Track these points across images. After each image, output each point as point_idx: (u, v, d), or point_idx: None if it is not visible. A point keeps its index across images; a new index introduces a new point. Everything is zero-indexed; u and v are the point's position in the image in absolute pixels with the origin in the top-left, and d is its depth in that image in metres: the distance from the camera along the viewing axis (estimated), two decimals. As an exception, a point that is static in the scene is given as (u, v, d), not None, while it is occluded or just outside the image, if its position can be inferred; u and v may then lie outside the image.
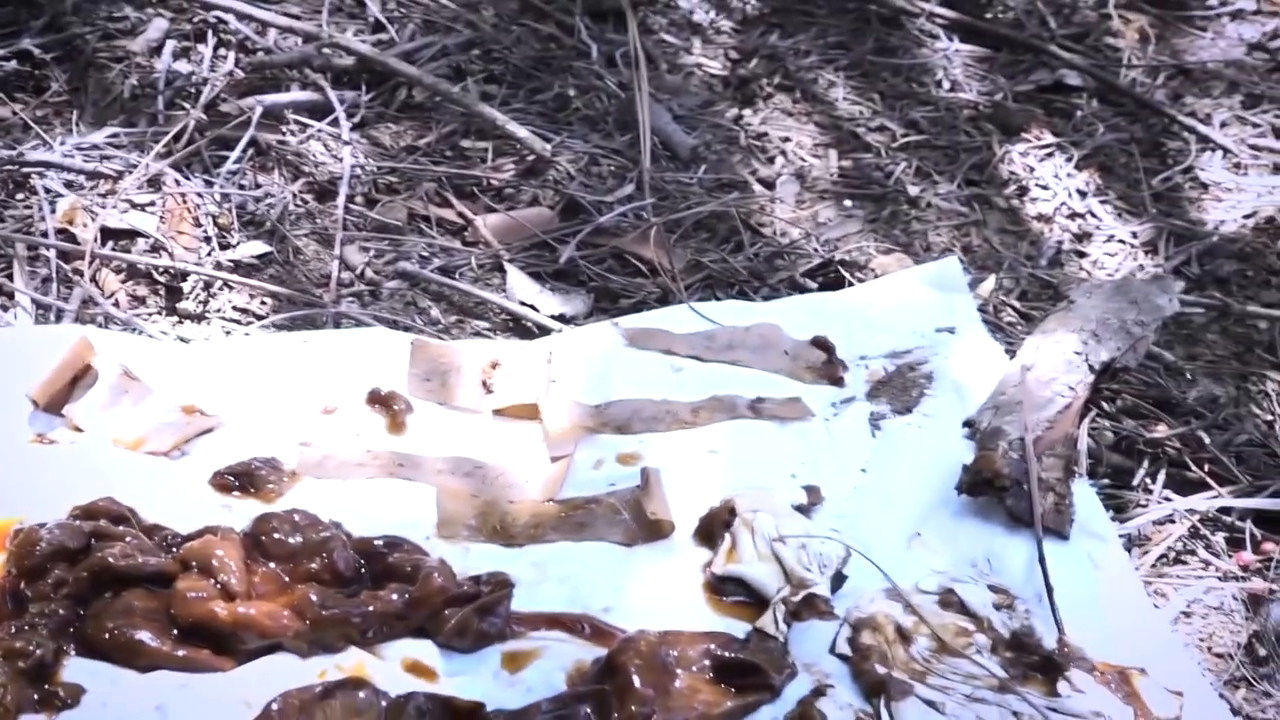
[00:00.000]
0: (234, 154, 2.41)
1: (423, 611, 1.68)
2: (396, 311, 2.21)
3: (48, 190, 2.26)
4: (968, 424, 2.02)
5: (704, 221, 2.51)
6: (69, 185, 2.30)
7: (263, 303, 2.17)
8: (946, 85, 2.98)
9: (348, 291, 2.22)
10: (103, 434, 1.89)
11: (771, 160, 2.73)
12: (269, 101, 2.52)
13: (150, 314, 2.12)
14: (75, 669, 1.60)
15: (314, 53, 2.65)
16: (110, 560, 1.65)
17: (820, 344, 2.15)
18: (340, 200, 2.37)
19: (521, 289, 2.29)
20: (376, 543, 1.75)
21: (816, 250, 2.45)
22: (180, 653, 1.60)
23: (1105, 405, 2.14)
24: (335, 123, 2.56)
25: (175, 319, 2.12)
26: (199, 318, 2.13)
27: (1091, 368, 2.06)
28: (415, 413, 1.98)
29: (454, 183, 2.52)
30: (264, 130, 2.49)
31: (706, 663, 1.67)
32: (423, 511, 1.85)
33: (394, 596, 1.67)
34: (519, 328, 2.24)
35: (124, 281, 2.16)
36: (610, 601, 1.77)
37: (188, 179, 2.35)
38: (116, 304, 2.10)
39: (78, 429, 1.90)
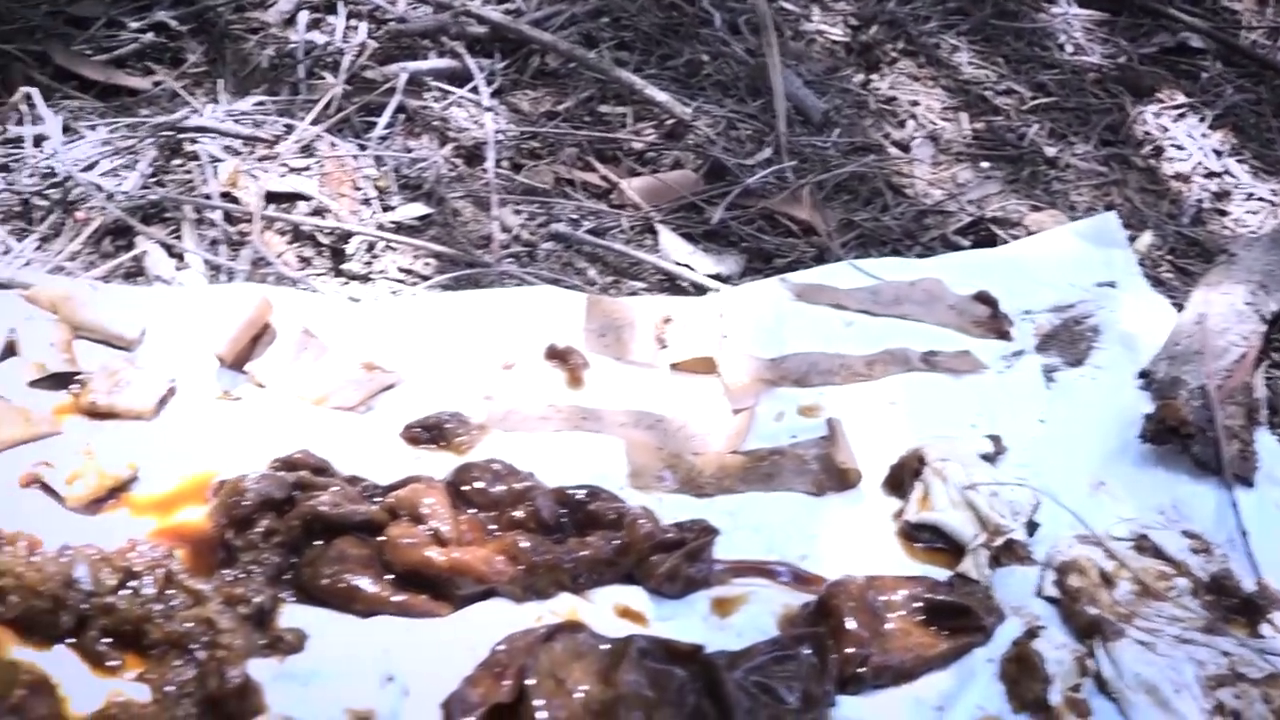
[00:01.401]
0: (383, 119, 2.41)
1: (631, 557, 1.68)
2: (555, 272, 2.21)
3: (205, 156, 2.26)
4: (1143, 374, 2.02)
5: (844, 183, 2.51)
6: (227, 150, 2.30)
7: (426, 263, 2.17)
8: (1070, 49, 2.97)
9: (505, 253, 2.22)
10: (286, 390, 1.89)
11: (902, 124, 2.73)
12: (412, 68, 2.52)
13: (318, 274, 2.12)
14: (292, 614, 1.60)
15: (449, 21, 2.65)
16: (322, 509, 1.66)
17: (984, 299, 2.15)
18: (490, 164, 2.37)
19: (675, 249, 2.29)
20: (576, 492, 1.75)
21: (964, 209, 2.44)
22: (399, 598, 1.61)
23: (1276, 355, 2.13)
24: (475, 89, 2.55)
25: (342, 280, 2.13)
26: (364, 278, 2.14)
27: (1263, 318, 2.05)
28: (592, 367, 1.98)
29: (595, 147, 2.52)
30: (408, 97, 2.49)
31: (917, 605, 1.67)
32: (612, 463, 1.85)
33: (603, 543, 1.67)
34: (674, 287, 2.24)
35: (290, 243, 2.17)
36: (805, 549, 1.77)
37: (338, 144, 2.35)
38: (285, 264, 2.11)
39: (260, 385, 1.90)
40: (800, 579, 1.73)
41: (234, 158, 2.27)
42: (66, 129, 2.32)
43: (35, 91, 2.30)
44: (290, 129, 2.36)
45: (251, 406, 1.87)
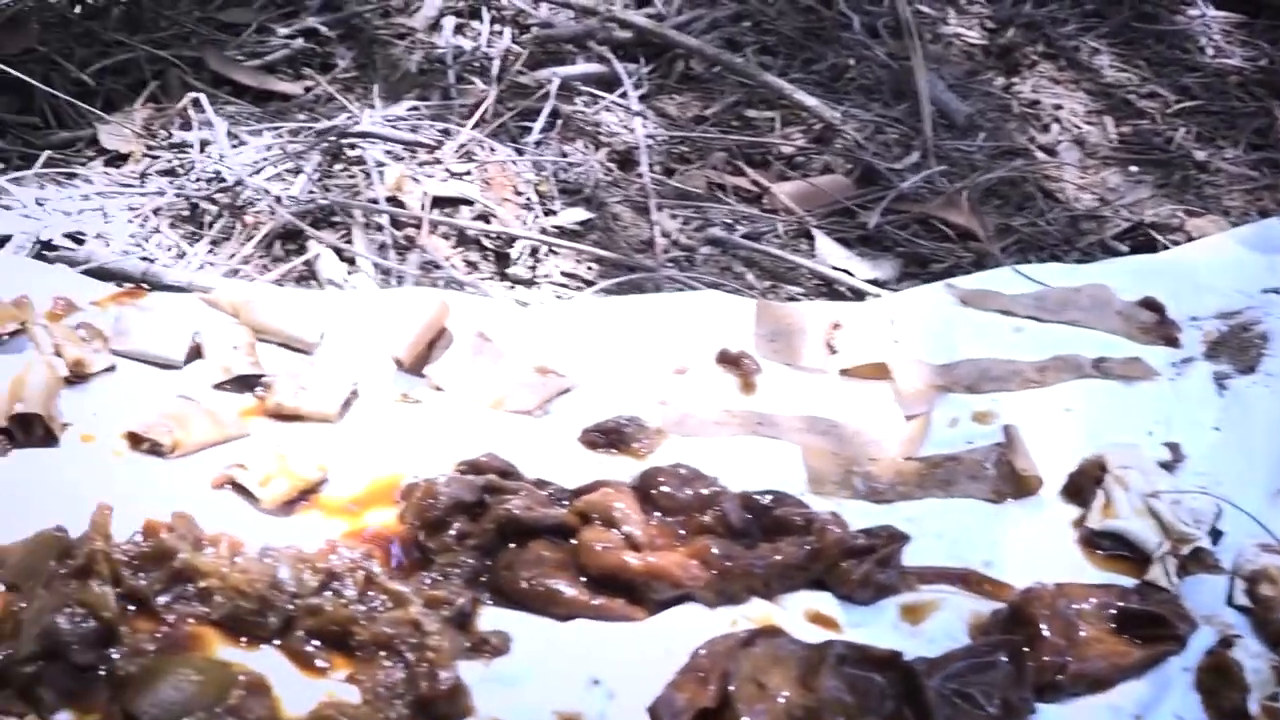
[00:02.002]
0: (538, 124, 2.43)
1: (822, 563, 1.68)
2: (714, 276, 2.21)
3: (370, 161, 2.28)
4: (1317, 382, 2.00)
5: (993, 188, 2.50)
6: (388, 155, 2.33)
7: (589, 267, 2.19)
8: (1210, 51, 2.95)
9: (665, 257, 2.23)
10: (463, 394, 1.91)
11: (1046, 128, 2.72)
12: (563, 74, 2.53)
13: (484, 278, 2.14)
14: (490, 617, 1.62)
15: (597, 26, 2.66)
16: (516, 512, 1.67)
17: (1150, 305, 2.14)
18: (644, 169, 2.38)
19: (831, 254, 2.29)
20: (761, 497, 1.75)
21: (1119, 214, 2.43)
22: (597, 601, 1.61)
23: None
24: (623, 94, 2.56)
25: (507, 284, 2.14)
26: (529, 283, 2.15)
27: None
28: (763, 372, 1.98)
29: (744, 151, 2.53)
30: (559, 101, 2.51)
31: (1110, 613, 1.66)
32: (790, 469, 1.85)
33: (794, 548, 1.67)
34: (832, 292, 2.24)
35: (454, 248, 2.18)
36: (989, 556, 1.77)
37: (496, 149, 2.37)
38: (453, 268, 2.12)
39: (438, 389, 1.92)
40: (986, 586, 1.72)
41: (397, 163, 2.29)
42: (231, 134, 2.34)
43: (203, 96, 2.33)
44: (447, 134, 2.38)
45: (431, 409, 1.89)
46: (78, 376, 1.83)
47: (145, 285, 2.00)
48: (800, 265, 2.25)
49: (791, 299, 2.22)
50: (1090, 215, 2.43)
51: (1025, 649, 1.60)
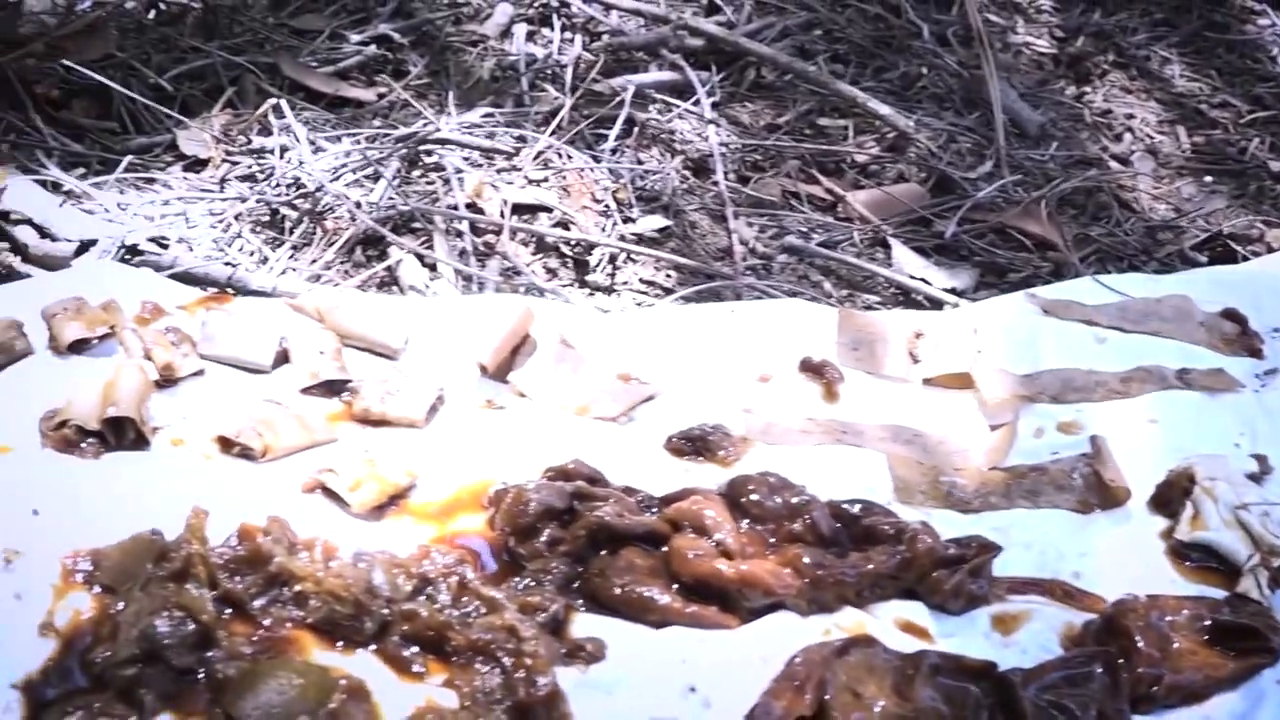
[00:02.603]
0: (613, 132, 2.43)
1: (913, 572, 1.68)
2: (791, 284, 2.21)
3: (450, 168, 2.29)
4: (1404, 395, 1.98)
5: (1068, 198, 2.49)
6: (466, 161, 2.33)
7: (667, 275, 2.19)
8: (1282, 62, 2.93)
9: (743, 265, 2.23)
10: (547, 400, 1.91)
11: (1119, 137, 2.71)
12: (637, 81, 2.54)
13: (564, 285, 2.14)
14: (583, 624, 1.62)
15: (669, 34, 2.66)
16: (608, 519, 1.67)
17: (1232, 315, 2.13)
18: (720, 177, 2.38)
19: (908, 263, 2.29)
20: (850, 506, 1.75)
21: (1196, 224, 2.42)
22: (691, 609, 1.61)
23: None
24: (696, 102, 2.56)
25: (586, 291, 2.14)
26: (608, 290, 2.16)
27: None
28: (846, 381, 1.98)
29: (817, 160, 2.52)
30: (633, 109, 2.51)
31: (1204, 625, 1.65)
32: (876, 477, 1.85)
33: (885, 557, 1.67)
34: (909, 301, 2.23)
35: (534, 254, 2.19)
36: (1077, 567, 1.76)
37: (572, 156, 2.37)
38: (533, 275, 2.13)
39: (522, 395, 1.92)
40: (1076, 597, 1.71)
41: (475, 169, 2.29)
42: (304, 140, 2.35)
43: (284, 103, 2.34)
44: (523, 141, 2.38)
45: (516, 416, 1.89)
46: (167, 380, 1.84)
47: (230, 290, 2.01)
48: (877, 274, 2.25)
49: (869, 308, 2.21)
50: (1167, 225, 2.42)
51: (1119, 660, 1.59)
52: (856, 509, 1.75)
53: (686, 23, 2.67)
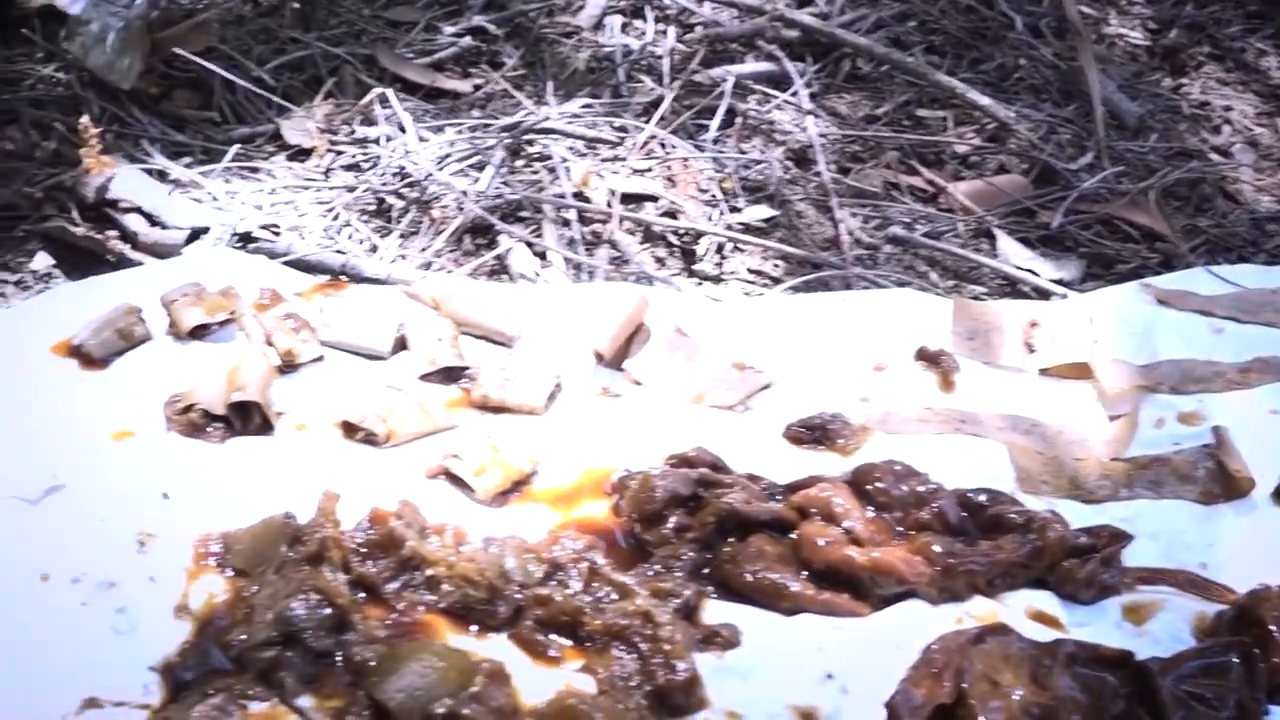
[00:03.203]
0: (714, 122, 2.42)
1: (1044, 562, 1.66)
2: (898, 274, 2.20)
3: (556, 157, 2.29)
4: None
5: (1170, 189, 2.47)
6: (571, 151, 2.33)
7: (775, 265, 2.18)
8: (1381, 54, 2.90)
9: (849, 255, 2.22)
10: (662, 388, 1.91)
11: (1218, 129, 2.68)
12: (736, 72, 2.53)
13: (672, 274, 2.13)
14: (714, 610, 1.61)
15: (766, 25, 2.65)
16: (737, 506, 1.66)
17: (1348, 307, 2.10)
18: (822, 167, 2.37)
19: (1014, 254, 2.27)
20: (976, 495, 1.74)
21: (1305, 215, 2.40)
22: (824, 596, 1.60)
23: None
24: (794, 93, 2.55)
25: (694, 280, 2.14)
26: (716, 279, 2.15)
27: None
28: (962, 370, 1.96)
29: (917, 150, 2.51)
30: (734, 99, 2.50)
31: (1342, 617, 1.63)
32: (997, 467, 1.83)
33: (1016, 546, 1.66)
34: (1015, 292, 2.22)
35: (641, 244, 2.18)
36: (1204, 558, 1.74)
37: (675, 146, 2.36)
38: (641, 265, 2.12)
39: (637, 383, 1.91)
40: (1204, 587, 1.70)
41: (580, 159, 2.29)
42: (404, 130, 2.35)
43: (390, 93, 2.34)
44: (624, 131, 2.38)
45: (632, 403, 1.88)
46: (288, 366, 1.85)
47: (344, 277, 2.01)
48: (984, 264, 2.23)
49: (976, 298, 2.20)
50: (1273, 217, 2.39)
51: (1255, 651, 1.57)
52: (983, 498, 1.74)
53: (782, 14, 2.65)
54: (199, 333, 1.86)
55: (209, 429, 1.74)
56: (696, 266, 2.15)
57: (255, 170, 2.31)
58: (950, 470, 1.81)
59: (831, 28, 2.67)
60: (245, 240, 2.07)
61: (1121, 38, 2.91)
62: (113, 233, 2.16)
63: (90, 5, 2.39)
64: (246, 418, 1.76)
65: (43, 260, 2.14)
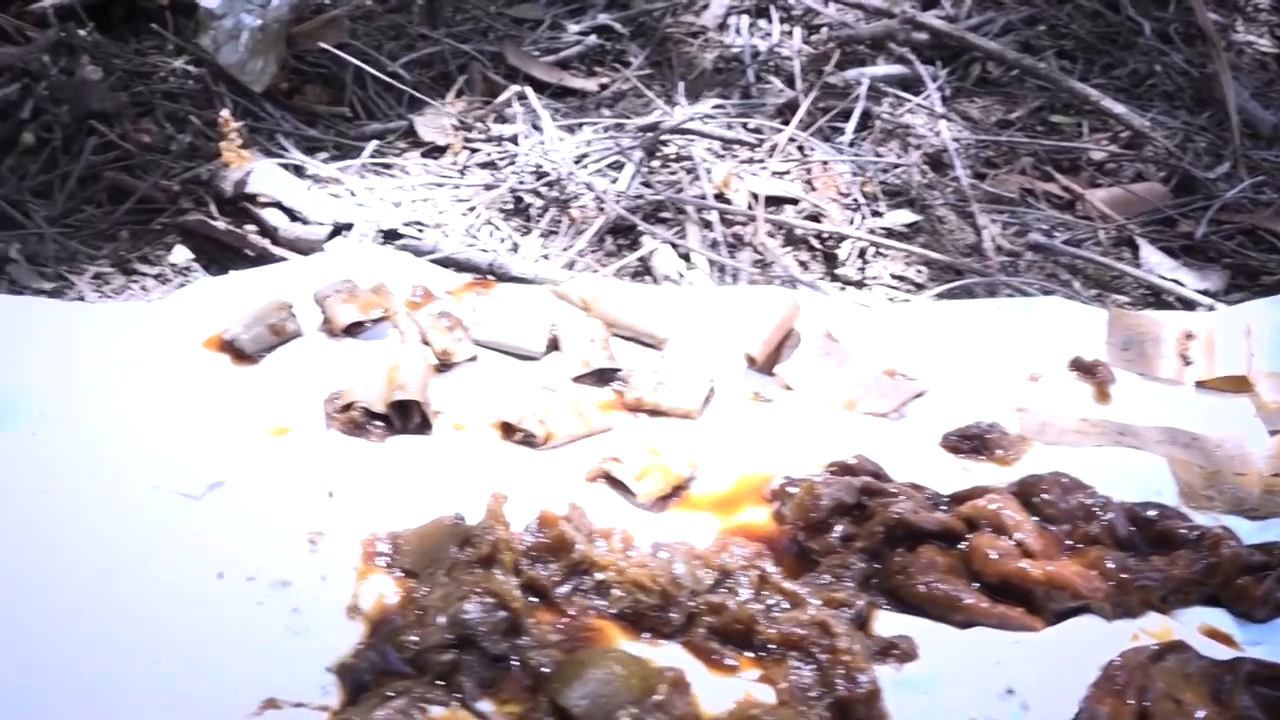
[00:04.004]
0: (850, 125, 2.40)
1: (1219, 578, 1.63)
2: (1040, 281, 2.17)
3: (696, 158, 2.27)
4: None
5: (1309, 199, 2.43)
6: (709, 152, 2.31)
7: (918, 270, 2.15)
8: None
9: (994, 262, 2.19)
10: (814, 394, 1.89)
11: (1354, 138, 2.64)
12: (869, 74, 2.51)
13: (816, 278, 2.11)
14: (884, 621, 1.59)
15: (897, 27, 2.62)
16: (906, 515, 1.64)
17: None
18: (960, 172, 2.34)
19: (1157, 263, 2.24)
20: (1145, 509, 1.71)
21: None
22: (998, 609, 1.58)
23: None
24: (926, 96, 2.53)
25: (838, 285, 2.12)
26: (859, 284, 2.13)
27: None
28: (1117, 382, 1.93)
29: (1051, 157, 2.48)
30: (867, 102, 2.48)
31: None
32: (1159, 481, 1.80)
33: (1190, 562, 1.63)
34: (1159, 302, 2.19)
35: (782, 247, 2.16)
36: (1374, 577, 1.70)
37: (814, 149, 2.34)
38: (785, 268, 2.10)
39: (788, 388, 1.89)
40: (1379, 608, 1.66)
41: (718, 160, 2.27)
42: (538, 128, 2.34)
43: (530, 90, 2.33)
44: (759, 132, 2.36)
45: (785, 409, 1.86)
46: (443, 365, 1.83)
47: (491, 276, 2.00)
48: (1127, 273, 2.20)
49: (1119, 308, 2.17)
50: None
51: None
52: (1152, 512, 1.71)
53: (911, 16, 2.63)
54: (353, 330, 1.85)
55: (370, 427, 1.73)
56: (839, 271, 2.13)
57: (389, 166, 2.30)
58: (1111, 483, 1.78)
59: (960, 31, 2.64)
60: (389, 237, 2.06)
61: (1250, 45, 2.87)
62: (251, 227, 2.15)
63: (225, 1, 2.37)
64: (406, 417, 1.75)
65: (181, 254, 2.13)
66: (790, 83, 2.52)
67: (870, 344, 1.96)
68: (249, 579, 1.53)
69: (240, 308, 1.89)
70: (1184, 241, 2.29)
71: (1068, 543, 1.67)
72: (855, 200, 2.23)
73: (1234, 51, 2.83)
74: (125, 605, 1.48)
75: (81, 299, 2.00)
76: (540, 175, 2.23)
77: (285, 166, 2.25)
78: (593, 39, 2.63)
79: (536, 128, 2.34)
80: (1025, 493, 1.71)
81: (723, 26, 2.70)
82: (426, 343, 1.83)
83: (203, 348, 1.86)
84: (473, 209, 2.16)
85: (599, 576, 1.56)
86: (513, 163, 2.26)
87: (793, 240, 2.17)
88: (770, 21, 2.71)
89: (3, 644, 1.42)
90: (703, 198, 2.18)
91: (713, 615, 1.54)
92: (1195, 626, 1.63)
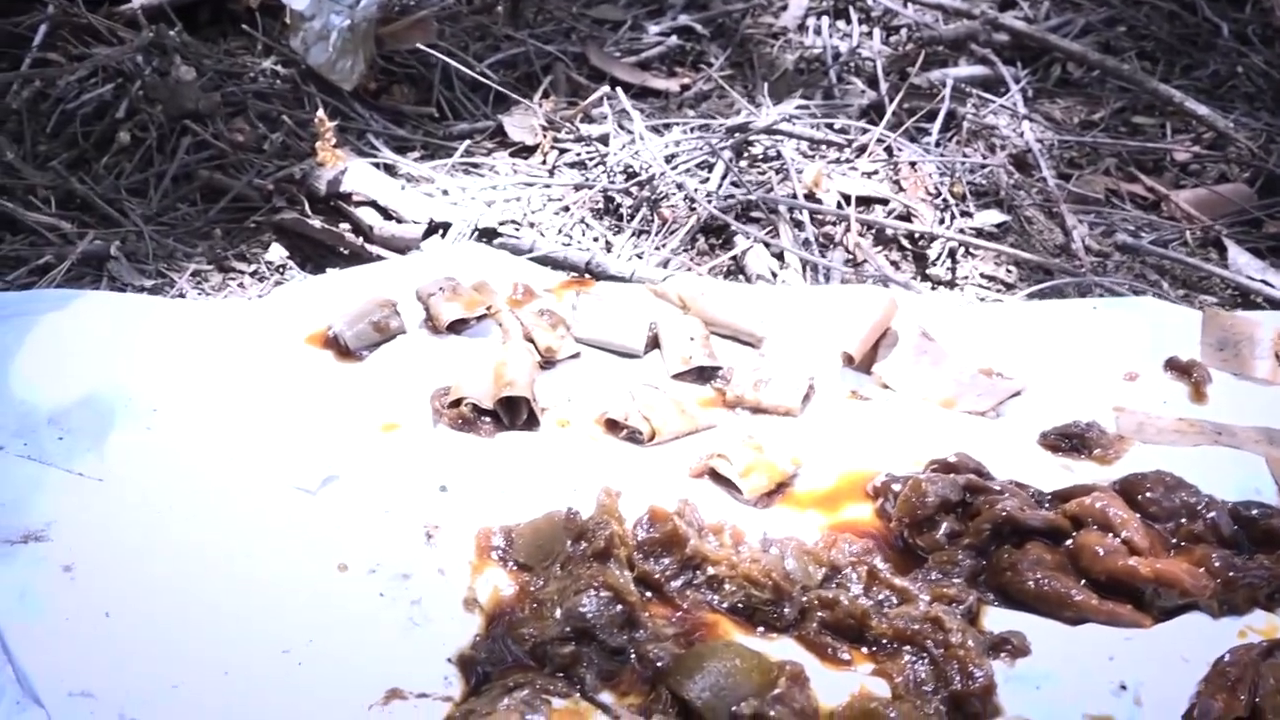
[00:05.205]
0: (936, 125, 2.41)
1: (1324, 576, 1.64)
2: (1129, 282, 2.18)
3: (787, 158, 2.28)
4: None
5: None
6: (798, 152, 2.33)
7: (1008, 270, 2.16)
8: None
9: (1082, 262, 2.20)
10: (911, 392, 1.90)
11: None
12: (952, 75, 2.52)
13: (905, 278, 2.13)
14: (993, 617, 1.60)
15: (978, 28, 2.63)
16: (1013, 513, 1.65)
17: None
18: (1046, 173, 2.35)
19: (1245, 264, 2.24)
20: (1248, 508, 1.72)
21: None
22: (1107, 606, 1.59)
23: None
24: (1010, 97, 2.54)
25: (928, 284, 2.13)
26: (949, 284, 2.14)
27: None
28: (1214, 382, 1.94)
29: (1135, 157, 2.49)
30: (952, 103, 2.49)
31: None
32: (1259, 480, 1.81)
33: (1301, 562, 1.64)
34: (1247, 303, 2.19)
35: (872, 247, 2.18)
36: None
37: (901, 149, 2.36)
38: (878, 267, 2.12)
39: (885, 386, 1.91)
40: None
41: (809, 160, 2.29)
42: (625, 128, 2.36)
43: (620, 91, 2.35)
44: (845, 133, 2.37)
45: (883, 407, 1.88)
46: (547, 362, 1.85)
47: (590, 275, 2.02)
48: (1215, 274, 2.21)
49: (1207, 308, 2.17)
50: None
51: None
52: (1255, 511, 1.72)
53: (991, 17, 2.64)
54: (457, 327, 1.88)
55: (479, 423, 1.75)
56: (929, 270, 2.15)
57: (478, 166, 2.33)
58: (1210, 482, 1.79)
59: (1041, 32, 2.65)
60: (486, 236, 2.08)
61: (1327, 46, 2.87)
62: (345, 226, 2.17)
63: (314, 2, 2.40)
64: (514, 413, 1.77)
65: (277, 252, 2.16)
66: (872, 84, 2.53)
67: (966, 343, 1.98)
68: (370, 571, 1.55)
69: (341, 305, 1.92)
70: (1271, 242, 2.29)
71: (1172, 540, 1.68)
72: (944, 200, 2.24)
73: (1309, 52, 2.83)
74: (252, 598, 1.50)
75: (182, 296, 2.03)
76: (631, 175, 2.25)
77: (377, 166, 2.27)
78: (673, 40, 2.65)
79: (624, 128, 2.36)
80: (1129, 491, 1.72)
81: (802, 27, 2.71)
82: (530, 340, 1.85)
83: (306, 344, 1.89)
84: (567, 208, 2.18)
85: (711, 571, 1.58)
86: (602, 162, 2.28)
87: (883, 240, 2.19)
88: (850, 23, 2.72)
89: (137, 637, 1.44)
90: (794, 197, 2.20)
91: (825, 610, 1.56)
92: (1302, 624, 1.63)
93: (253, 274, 2.14)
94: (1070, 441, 1.83)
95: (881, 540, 1.70)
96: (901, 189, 2.25)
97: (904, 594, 1.58)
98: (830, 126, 2.40)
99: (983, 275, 2.15)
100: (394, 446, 1.73)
